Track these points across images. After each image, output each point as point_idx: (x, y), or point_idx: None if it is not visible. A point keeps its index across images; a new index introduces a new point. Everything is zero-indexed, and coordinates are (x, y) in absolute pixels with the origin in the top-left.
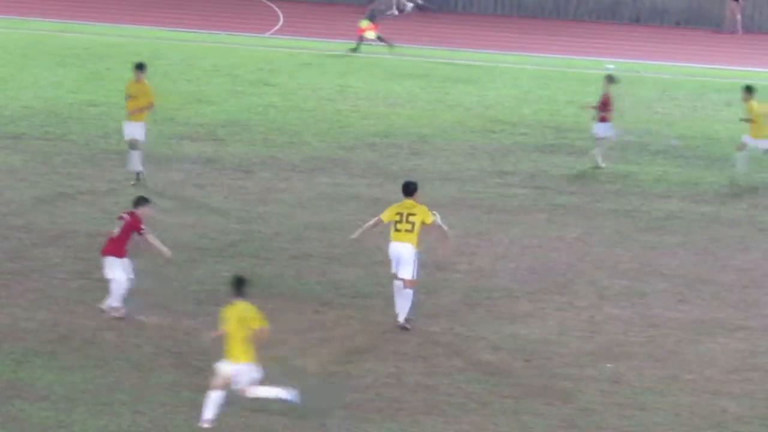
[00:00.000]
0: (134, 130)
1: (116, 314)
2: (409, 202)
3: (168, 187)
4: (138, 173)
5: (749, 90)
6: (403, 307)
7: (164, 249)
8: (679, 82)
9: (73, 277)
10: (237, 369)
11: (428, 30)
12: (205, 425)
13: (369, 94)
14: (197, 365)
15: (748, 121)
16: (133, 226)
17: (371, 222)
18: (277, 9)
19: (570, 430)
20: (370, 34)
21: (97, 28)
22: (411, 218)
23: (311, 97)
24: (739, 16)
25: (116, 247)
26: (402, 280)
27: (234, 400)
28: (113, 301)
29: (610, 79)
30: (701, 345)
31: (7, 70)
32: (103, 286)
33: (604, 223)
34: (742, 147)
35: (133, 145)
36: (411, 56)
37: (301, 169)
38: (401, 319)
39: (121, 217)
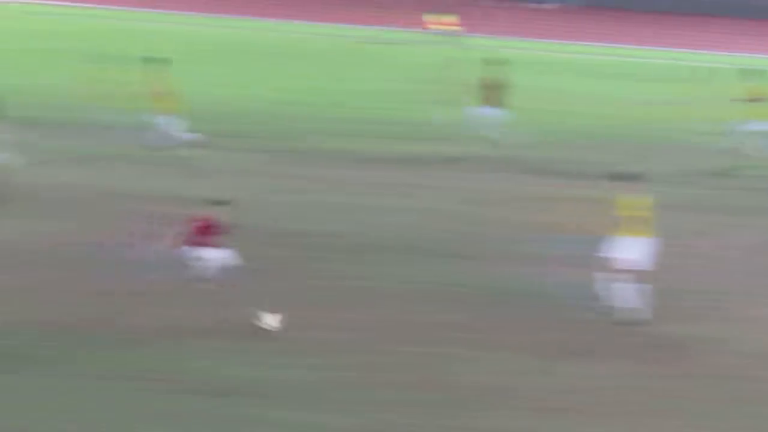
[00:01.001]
0: None
1: None
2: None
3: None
4: None
5: None
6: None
7: None
8: None
9: (312, 276)
10: None
11: (628, 30)
12: None
13: (584, 94)
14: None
15: None
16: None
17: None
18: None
19: None
20: None
21: (306, 27)
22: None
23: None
24: None
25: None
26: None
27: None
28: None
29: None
30: None
31: (225, 68)
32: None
33: None
34: None
35: None
36: (612, 56)
37: (518, 169)
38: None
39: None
